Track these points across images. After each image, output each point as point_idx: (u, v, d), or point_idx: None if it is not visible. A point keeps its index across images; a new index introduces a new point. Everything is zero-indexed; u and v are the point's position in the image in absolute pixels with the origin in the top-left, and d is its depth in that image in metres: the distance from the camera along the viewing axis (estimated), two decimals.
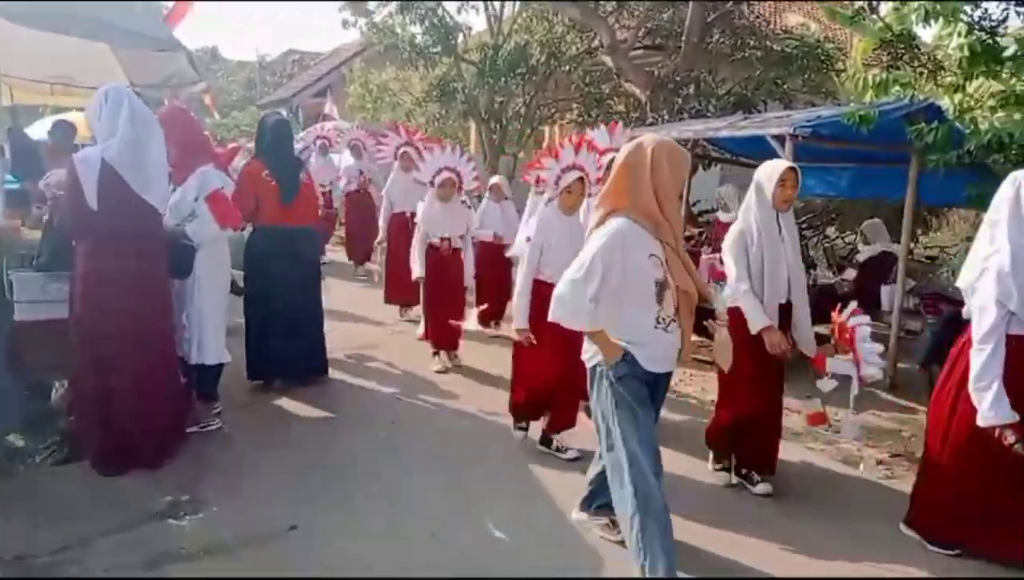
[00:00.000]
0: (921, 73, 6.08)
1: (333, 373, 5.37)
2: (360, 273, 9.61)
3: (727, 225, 6.39)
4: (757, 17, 12.80)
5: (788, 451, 4.37)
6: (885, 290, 6.71)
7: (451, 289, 5.77)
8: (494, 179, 7.24)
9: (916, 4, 5.02)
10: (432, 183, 5.61)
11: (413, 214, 6.26)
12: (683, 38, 10.48)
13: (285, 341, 4.82)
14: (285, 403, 4.83)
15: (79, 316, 3.61)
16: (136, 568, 2.87)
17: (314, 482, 3.71)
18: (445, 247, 5.68)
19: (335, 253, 10.45)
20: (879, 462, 4.33)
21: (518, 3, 13.29)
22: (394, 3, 12.07)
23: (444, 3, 12.17)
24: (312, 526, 3.25)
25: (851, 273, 7.29)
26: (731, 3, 11.16)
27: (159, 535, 3.14)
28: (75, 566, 2.87)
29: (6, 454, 3.76)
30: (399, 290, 7.06)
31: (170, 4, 6.36)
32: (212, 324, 4.20)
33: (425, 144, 6.61)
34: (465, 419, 4.72)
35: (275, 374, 4.97)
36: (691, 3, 10.22)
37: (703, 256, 6.62)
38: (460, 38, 12.57)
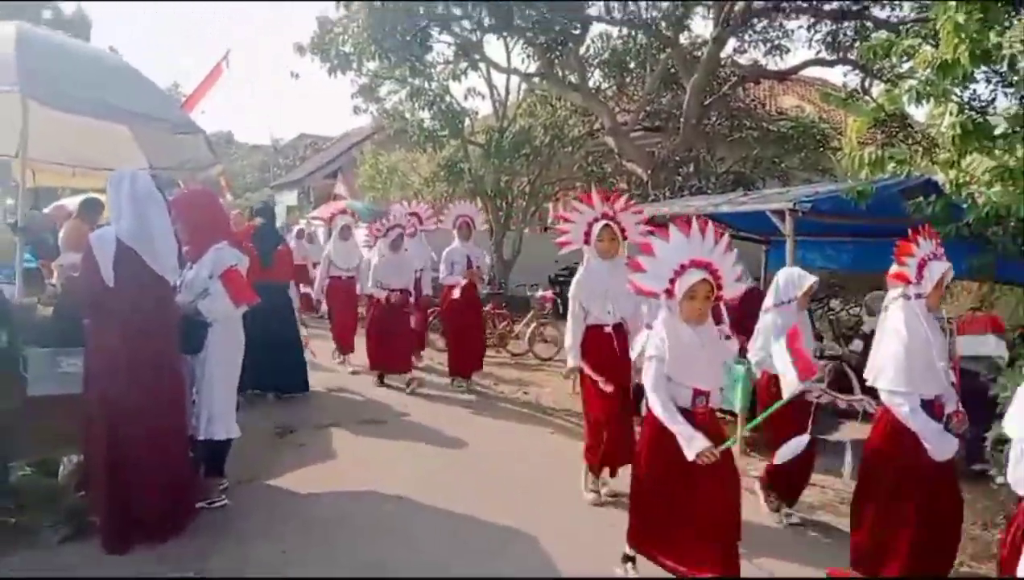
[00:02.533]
0: (916, 150, 6.27)
1: (337, 444, 5.29)
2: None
3: (736, 300, 6.49)
4: (753, 100, 13.29)
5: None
6: None
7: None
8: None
9: (908, 85, 5.22)
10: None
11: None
12: (681, 120, 10.85)
13: (268, 358, 5.96)
14: (289, 479, 4.78)
15: (91, 392, 3.64)
16: None
17: (319, 561, 3.63)
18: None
19: None
20: None
21: (522, 89, 13.82)
22: (404, 91, 12.58)
23: (451, 90, 12.68)
24: None
25: (858, 344, 7.29)
26: (727, 87, 11.59)
27: None
28: None
29: (8, 530, 3.72)
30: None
31: (188, 92, 6.67)
32: (222, 400, 4.19)
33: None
34: (476, 508, 4.65)
35: (264, 386, 5.71)
36: (688, 87, 10.61)
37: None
38: (467, 122, 13.02)
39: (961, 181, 5.73)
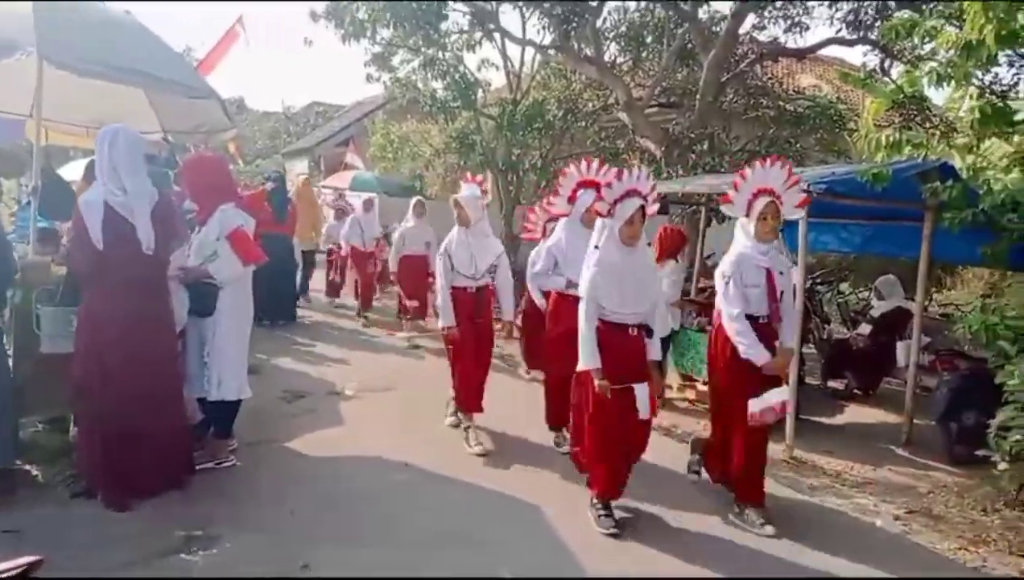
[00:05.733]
0: (933, 134, 6.20)
1: (345, 409, 5.38)
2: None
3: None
4: (770, 78, 13.10)
5: (803, 505, 4.34)
6: (900, 346, 6.70)
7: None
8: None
9: (928, 67, 5.14)
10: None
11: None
12: (697, 97, 10.71)
13: (266, 295, 6.01)
14: (297, 443, 4.86)
15: (83, 352, 3.68)
16: None
17: (326, 521, 3.71)
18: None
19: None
20: (896, 518, 4.26)
21: (537, 61, 13.67)
22: (417, 60, 12.46)
23: (465, 61, 12.55)
24: (323, 565, 3.24)
25: (866, 328, 7.28)
26: (745, 64, 11.43)
27: (171, 570, 3.14)
28: None
29: (21, 486, 3.80)
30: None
31: (200, 56, 6.64)
32: (233, 361, 4.24)
33: None
34: (479, 475, 4.70)
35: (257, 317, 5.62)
36: (705, 63, 10.47)
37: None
38: (480, 93, 12.90)
39: (978, 166, 5.68)
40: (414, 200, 8.71)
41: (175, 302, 4.05)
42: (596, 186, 4.39)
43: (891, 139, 5.62)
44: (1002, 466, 4.26)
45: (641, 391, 3.75)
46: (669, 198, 8.47)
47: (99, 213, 3.62)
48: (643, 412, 3.76)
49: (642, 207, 3.75)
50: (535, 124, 12.22)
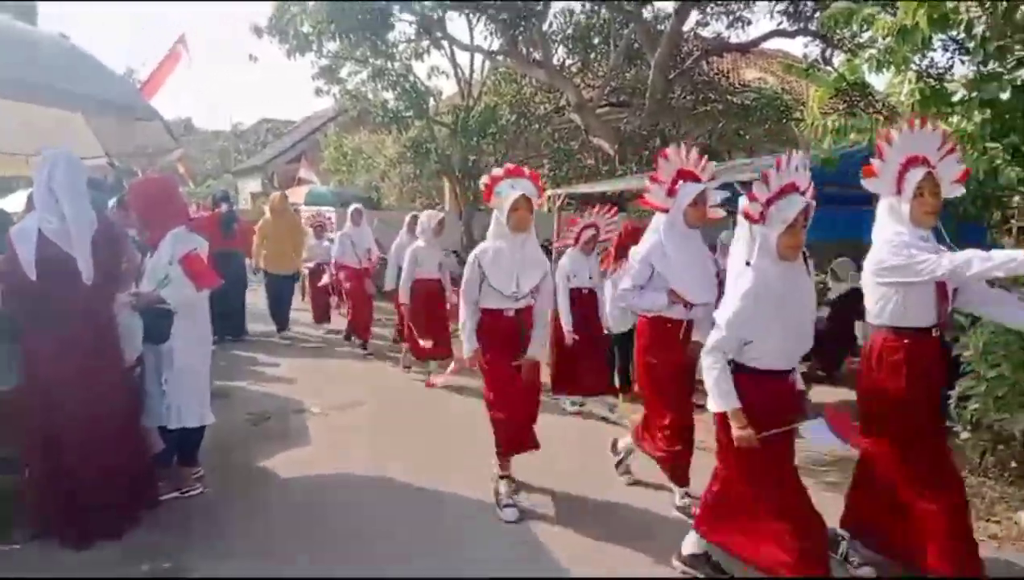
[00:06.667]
0: (877, 119, 6.35)
1: (314, 427, 5.33)
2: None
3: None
4: (717, 73, 13.35)
5: None
6: (859, 325, 6.86)
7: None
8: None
9: (868, 54, 5.27)
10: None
11: None
12: (647, 95, 10.85)
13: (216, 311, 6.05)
14: (266, 464, 4.75)
15: (25, 388, 3.54)
16: None
17: (297, 546, 3.62)
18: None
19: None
20: None
21: (487, 67, 13.71)
22: (366, 71, 12.39)
23: (414, 69, 12.51)
24: None
25: (824, 310, 7.43)
26: (691, 61, 11.62)
27: None
28: None
29: None
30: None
31: (143, 78, 6.50)
32: (192, 387, 4.12)
33: None
34: (455, 484, 4.66)
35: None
36: (653, 62, 10.62)
37: None
38: (432, 102, 12.88)
39: None
40: (433, 217, 7.29)
41: (129, 330, 3.93)
42: (696, 178, 3.85)
43: (836, 125, 5.74)
44: (964, 435, 4.39)
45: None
46: (625, 196, 8.55)
47: (31, 241, 3.48)
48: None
49: (806, 208, 2.89)
50: (489, 129, 12.26)
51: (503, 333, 4.02)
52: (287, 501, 4.19)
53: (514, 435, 4.02)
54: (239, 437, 5.28)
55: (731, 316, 2.87)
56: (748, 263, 2.89)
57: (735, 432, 2.86)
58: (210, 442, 4.44)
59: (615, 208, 6.21)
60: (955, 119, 5.56)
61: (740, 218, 2.97)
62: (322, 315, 10.19)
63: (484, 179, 4.00)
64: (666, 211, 3.84)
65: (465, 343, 4.06)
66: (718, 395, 2.91)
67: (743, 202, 2.97)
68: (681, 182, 3.82)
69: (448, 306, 7.18)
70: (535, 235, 4.04)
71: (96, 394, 3.60)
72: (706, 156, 4.13)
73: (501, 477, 4.12)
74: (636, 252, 3.98)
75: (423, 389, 6.97)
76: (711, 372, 2.92)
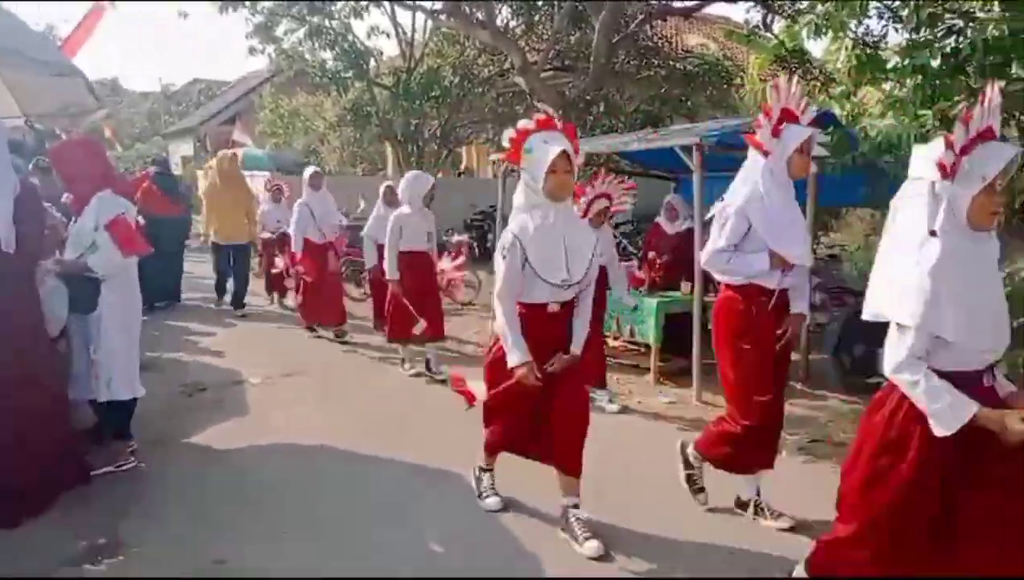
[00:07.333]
0: (815, 85, 6.48)
1: (253, 398, 5.20)
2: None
3: (669, 234, 6.60)
4: (660, 38, 13.37)
5: None
6: None
7: None
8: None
9: (806, 19, 5.34)
10: None
11: None
12: (591, 59, 10.80)
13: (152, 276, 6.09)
14: (202, 437, 4.63)
15: None
16: None
17: (237, 515, 3.55)
18: None
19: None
20: (800, 448, 4.51)
21: (429, 27, 13.40)
22: (303, 30, 11.96)
23: (354, 29, 12.13)
24: (239, 560, 3.11)
25: None
26: (635, 25, 11.59)
27: None
28: None
29: None
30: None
31: (66, 32, 6.11)
32: (122, 359, 3.96)
33: None
34: (398, 450, 4.63)
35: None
36: (597, 25, 10.55)
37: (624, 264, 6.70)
38: (372, 63, 12.55)
39: (856, 113, 5.99)
40: (421, 179, 6.29)
41: (53, 299, 3.73)
42: (796, 120, 3.24)
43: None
44: None
45: None
46: None
47: None
48: None
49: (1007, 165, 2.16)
50: (431, 92, 12.05)
51: (544, 335, 3.15)
52: (225, 472, 4.10)
53: (506, 445, 3.49)
54: (174, 409, 5.13)
55: (921, 307, 2.13)
56: (933, 233, 2.18)
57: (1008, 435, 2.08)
58: (143, 415, 4.29)
59: (628, 178, 5.58)
60: (888, 85, 5.72)
61: (916, 171, 2.33)
62: (277, 287, 9.28)
63: (509, 133, 3.12)
64: (766, 154, 3.23)
65: (512, 351, 3.06)
66: (951, 410, 2.13)
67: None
68: (785, 124, 3.21)
69: (445, 283, 6.84)
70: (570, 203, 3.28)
71: (17, 367, 3.41)
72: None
73: (484, 470, 3.67)
74: (726, 204, 3.31)
75: (367, 357, 6.89)
76: (921, 389, 2.18)
